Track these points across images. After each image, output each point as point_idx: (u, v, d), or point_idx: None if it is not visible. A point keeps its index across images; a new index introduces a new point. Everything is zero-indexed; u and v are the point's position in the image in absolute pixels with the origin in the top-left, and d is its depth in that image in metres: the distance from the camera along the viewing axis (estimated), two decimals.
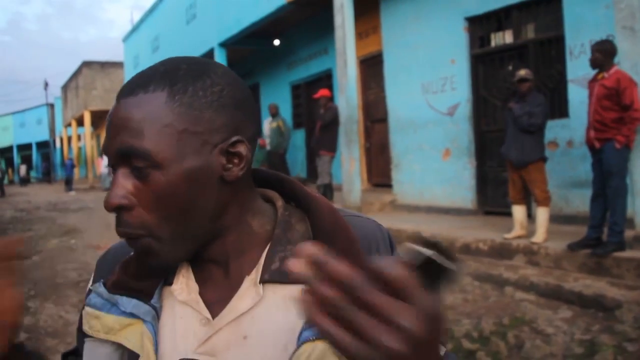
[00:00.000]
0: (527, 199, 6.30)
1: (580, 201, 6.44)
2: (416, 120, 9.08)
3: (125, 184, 0.76)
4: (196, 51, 15.34)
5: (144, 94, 0.75)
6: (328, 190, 9.48)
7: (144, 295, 0.84)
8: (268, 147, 12.24)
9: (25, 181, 40.82)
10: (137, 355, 0.81)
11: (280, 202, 0.88)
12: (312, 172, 11.63)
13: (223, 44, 14.06)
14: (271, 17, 11.68)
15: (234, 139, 0.78)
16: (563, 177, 6.75)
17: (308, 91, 12.82)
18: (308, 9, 11.34)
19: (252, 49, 14.79)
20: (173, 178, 0.75)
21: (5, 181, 31.85)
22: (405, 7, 9.20)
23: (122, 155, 0.76)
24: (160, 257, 0.79)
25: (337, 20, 9.08)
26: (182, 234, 0.78)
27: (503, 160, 6.72)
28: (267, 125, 12.21)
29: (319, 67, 12.49)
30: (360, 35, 10.11)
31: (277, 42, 13.89)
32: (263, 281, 0.80)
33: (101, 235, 11.99)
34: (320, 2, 10.30)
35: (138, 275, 0.85)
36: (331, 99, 9.95)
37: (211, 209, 0.79)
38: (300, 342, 0.74)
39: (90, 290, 0.89)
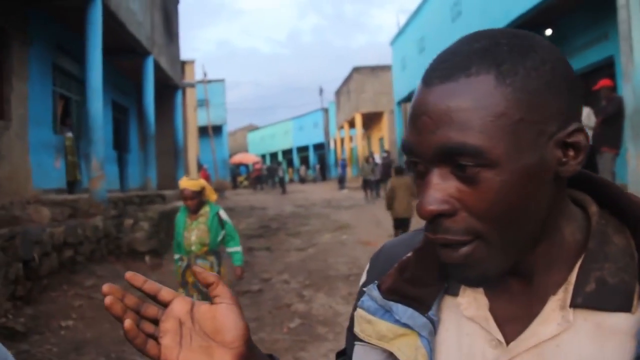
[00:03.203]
0: None
1: None
2: None
3: (445, 185, 0.66)
4: None
5: (466, 78, 0.63)
6: None
7: (421, 305, 0.76)
8: None
9: (303, 180, 45.18)
10: None
11: (594, 208, 0.73)
12: (591, 171, 10.59)
13: None
14: (541, 5, 10.96)
15: (573, 127, 0.66)
16: None
17: (586, 83, 11.69)
18: None
19: None
20: (508, 177, 0.63)
21: (286, 179, 35.01)
22: None
23: (443, 154, 0.64)
24: (484, 267, 0.67)
25: (620, 0, 8.13)
26: (511, 241, 0.66)
27: None
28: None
29: (598, 55, 11.38)
30: None
31: (549, 31, 12.99)
32: (574, 305, 0.67)
33: (371, 232, 12.47)
34: None
35: (416, 281, 0.78)
36: (613, 89, 8.97)
37: (543, 212, 0.67)
38: None
39: (363, 292, 0.84)
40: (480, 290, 0.75)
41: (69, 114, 12.74)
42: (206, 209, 5.16)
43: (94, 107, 10.22)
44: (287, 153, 57.39)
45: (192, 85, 22.66)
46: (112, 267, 8.42)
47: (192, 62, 25.00)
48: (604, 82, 8.92)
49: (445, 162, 0.65)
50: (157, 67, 15.47)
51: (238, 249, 5.34)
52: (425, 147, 0.65)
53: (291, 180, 46.91)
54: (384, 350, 0.78)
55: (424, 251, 0.78)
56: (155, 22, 15.46)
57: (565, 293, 0.69)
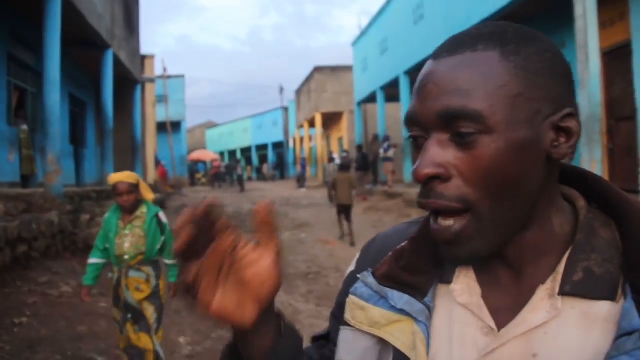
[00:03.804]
0: None
1: None
2: None
3: (442, 152, 0.69)
4: (424, 52, 15.26)
5: (472, 53, 0.68)
6: None
7: (417, 292, 0.78)
8: None
9: (264, 178, 45.58)
10: (403, 355, 0.76)
11: (582, 202, 0.77)
12: None
13: None
14: (503, 11, 11.19)
15: (566, 111, 0.70)
16: None
17: None
18: (543, 1, 10.64)
19: None
20: (503, 146, 0.66)
21: (244, 177, 34.87)
22: None
23: (444, 118, 0.68)
24: (474, 244, 0.70)
25: (578, 10, 8.34)
26: (502, 215, 0.69)
27: None
28: None
29: None
30: (603, 24, 9.17)
31: None
32: (562, 293, 0.70)
33: (329, 231, 12.51)
34: None
35: (412, 269, 0.79)
36: None
37: (534, 191, 0.70)
38: None
39: (355, 279, 0.85)
40: (474, 278, 0.77)
41: (24, 106, 12.42)
42: (143, 210, 4.23)
43: (50, 99, 9.97)
44: (245, 151, 57.04)
45: (151, 81, 22.39)
46: (68, 264, 8.24)
47: (151, 57, 24.64)
48: None
49: (445, 127, 0.68)
50: (117, 61, 15.20)
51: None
52: (428, 113, 0.69)
53: (249, 179, 46.73)
54: (374, 336, 0.79)
55: (420, 240, 0.81)
56: (116, 15, 15.19)
57: (553, 282, 0.71)
